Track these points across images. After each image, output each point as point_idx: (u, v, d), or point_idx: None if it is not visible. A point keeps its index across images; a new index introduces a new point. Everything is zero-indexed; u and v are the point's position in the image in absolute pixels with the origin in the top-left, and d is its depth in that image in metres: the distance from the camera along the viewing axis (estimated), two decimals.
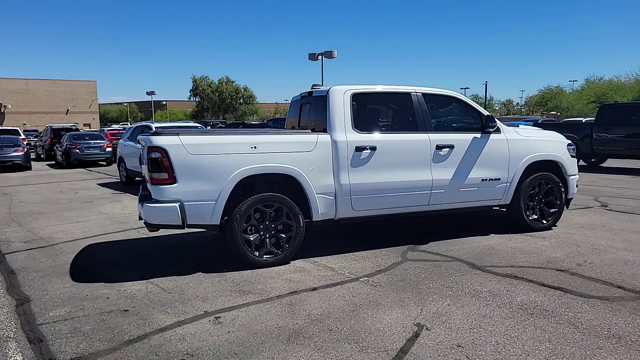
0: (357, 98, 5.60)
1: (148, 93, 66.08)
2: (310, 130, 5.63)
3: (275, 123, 28.33)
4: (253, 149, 5.06)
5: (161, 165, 4.80)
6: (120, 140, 14.22)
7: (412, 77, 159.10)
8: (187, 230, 5.27)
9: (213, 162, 4.94)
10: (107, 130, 27.98)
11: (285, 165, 5.17)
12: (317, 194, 5.30)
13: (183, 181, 4.85)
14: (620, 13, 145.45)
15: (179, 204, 4.86)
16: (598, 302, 4.01)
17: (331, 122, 5.45)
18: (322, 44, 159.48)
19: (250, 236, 5.15)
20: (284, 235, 5.25)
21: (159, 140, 4.82)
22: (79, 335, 3.61)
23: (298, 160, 5.22)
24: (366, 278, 4.76)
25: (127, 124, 45.68)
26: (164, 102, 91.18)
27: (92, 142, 19.96)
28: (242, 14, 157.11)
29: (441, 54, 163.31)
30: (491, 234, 6.40)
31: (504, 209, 6.60)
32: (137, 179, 13.24)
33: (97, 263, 5.62)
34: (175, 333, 3.61)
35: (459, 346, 3.28)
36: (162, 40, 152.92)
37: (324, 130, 5.54)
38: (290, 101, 6.94)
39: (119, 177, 13.94)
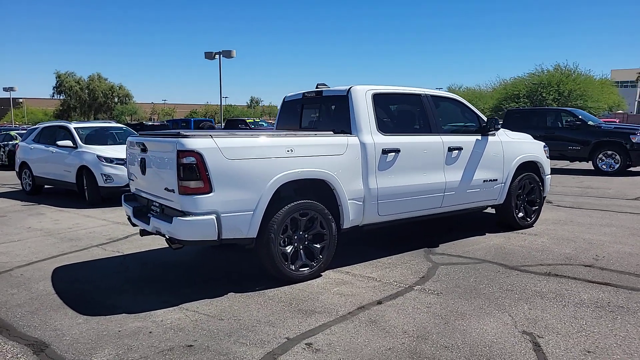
0: (376, 98, 5.38)
1: (6, 89, 58.21)
2: (331, 132, 5.27)
3: (174, 125, 26.78)
4: (289, 152, 4.59)
5: (196, 171, 4.13)
6: (21, 143, 12.22)
7: (313, 75, 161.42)
8: (158, 244, 4.61)
9: (251, 168, 4.38)
10: None
11: (322, 170, 4.77)
12: (348, 199, 4.98)
13: (219, 190, 4.22)
14: (474, 29, 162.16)
15: (215, 215, 4.22)
16: None
17: (357, 123, 5.16)
18: (219, 44, 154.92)
19: (287, 248, 4.67)
20: (318, 246, 4.85)
21: (193, 144, 4.14)
22: None
23: (332, 164, 4.86)
24: (419, 287, 4.57)
25: None
26: (20, 100, 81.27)
27: None
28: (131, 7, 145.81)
29: (336, 53, 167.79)
30: (487, 234, 6.59)
31: (493, 209, 6.84)
32: (46, 186, 11.56)
33: (92, 290, 4.68)
34: None
35: (589, 352, 3.24)
36: (18, 32, 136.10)
37: (343, 133, 5.23)
38: (283, 100, 6.46)
39: (21, 186, 11.98)
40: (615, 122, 28.25)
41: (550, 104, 35.03)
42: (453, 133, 6.05)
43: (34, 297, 4.48)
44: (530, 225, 6.94)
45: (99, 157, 9.57)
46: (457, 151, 5.88)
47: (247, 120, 25.63)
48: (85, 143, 10.32)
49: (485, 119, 6.35)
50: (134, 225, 5.40)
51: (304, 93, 5.98)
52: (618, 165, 13.42)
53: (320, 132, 5.16)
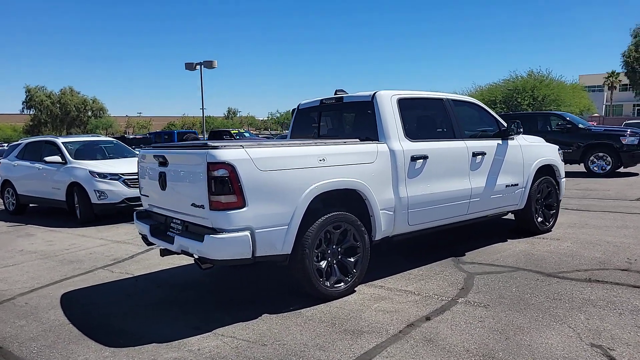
0: (401, 103, 5.16)
1: None
2: (357, 140, 5.02)
3: (157, 137, 26.18)
4: (322, 161, 4.33)
5: (228, 185, 3.83)
6: (2, 160, 11.60)
7: (292, 86, 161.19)
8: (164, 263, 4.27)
9: (285, 179, 4.10)
10: None
11: (354, 180, 4.53)
12: (380, 209, 4.74)
13: (253, 204, 3.92)
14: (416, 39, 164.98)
15: (249, 232, 3.92)
16: None
17: (385, 130, 4.93)
18: (192, 56, 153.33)
19: (321, 264, 4.39)
20: (352, 260, 4.58)
21: (224, 155, 3.83)
22: None
23: (363, 173, 4.61)
24: (463, 299, 4.34)
25: None
26: None
27: None
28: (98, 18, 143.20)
29: (314, 62, 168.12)
30: (508, 240, 6.43)
31: (512, 214, 6.68)
32: (31, 205, 11.00)
33: (110, 317, 4.30)
34: None
35: None
36: None
37: (368, 140, 5.00)
38: (297, 108, 6.20)
39: (3, 206, 11.36)
40: (593, 124, 28.79)
41: (525, 109, 35.64)
42: (475, 138, 5.88)
43: (48, 329, 4.08)
44: (549, 230, 6.81)
45: (91, 172, 9.11)
46: (480, 156, 5.71)
47: (232, 131, 25.21)
48: (75, 158, 9.85)
49: (504, 123, 6.21)
50: (148, 244, 5.05)
51: (322, 100, 5.73)
52: (609, 167, 13.54)
53: (348, 139, 4.90)
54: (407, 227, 5.08)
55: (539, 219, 6.69)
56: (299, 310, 4.22)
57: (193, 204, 4.06)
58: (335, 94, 5.66)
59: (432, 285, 4.74)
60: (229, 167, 3.82)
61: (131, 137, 23.74)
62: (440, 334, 3.63)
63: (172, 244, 4.28)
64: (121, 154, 10.77)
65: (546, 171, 6.75)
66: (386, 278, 5.02)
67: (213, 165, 3.82)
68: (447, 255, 5.76)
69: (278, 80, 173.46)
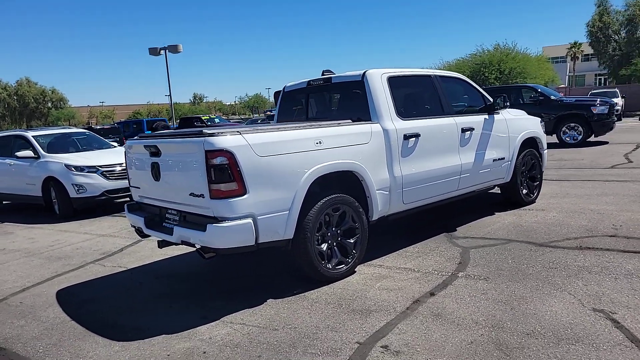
0: (391, 82, 5.15)
1: None
2: (349, 121, 5.00)
3: (125, 127, 25.54)
4: (318, 144, 4.31)
5: (228, 172, 3.77)
6: None
7: (258, 70, 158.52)
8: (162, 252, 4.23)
9: (283, 164, 4.06)
10: None
11: (351, 161, 4.53)
12: (376, 189, 4.76)
13: (254, 190, 3.89)
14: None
15: (251, 219, 3.89)
16: None
17: (377, 109, 4.92)
18: (152, 42, 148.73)
19: (322, 246, 4.40)
20: (351, 241, 4.61)
21: (222, 142, 3.77)
22: None
23: (359, 154, 4.62)
24: (462, 273, 4.43)
25: None
26: None
27: None
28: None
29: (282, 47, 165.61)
30: (495, 213, 6.56)
31: (498, 187, 6.81)
32: (4, 202, 10.66)
33: (112, 312, 4.23)
34: None
35: None
36: None
37: (359, 120, 4.99)
38: (283, 90, 6.12)
39: None
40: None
41: (493, 83, 36.15)
42: (463, 113, 5.94)
43: (50, 327, 3.99)
44: (534, 201, 6.98)
45: (67, 166, 8.84)
46: (469, 132, 5.78)
47: (203, 117, 24.79)
48: (48, 152, 9.54)
49: (489, 97, 6.29)
50: (142, 236, 4.95)
51: (309, 81, 5.67)
52: (580, 136, 13.92)
53: (342, 121, 4.88)
54: (402, 206, 5.12)
55: (524, 191, 6.85)
56: (303, 294, 4.24)
57: (192, 194, 3.99)
58: (323, 74, 5.61)
59: (430, 262, 4.82)
60: (228, 154, 3.76)
61: (98, 127, 23.06)
62: (447, 308, 3.71)
63: (171, 235, 4.21)
64: (95, 145, 10.48)
65: (530, 144, 6.88)
66: (383, 257, 5.08)
67: (211, 153, 3.75)
68: (440, 232, 5.85)
69: (243, 65, 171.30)
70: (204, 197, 3.87)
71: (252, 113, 74.48)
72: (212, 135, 3.81)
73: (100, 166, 8.93)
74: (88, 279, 5.25)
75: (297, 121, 5.69)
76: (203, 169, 3.80)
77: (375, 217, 4.85)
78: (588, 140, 14.13)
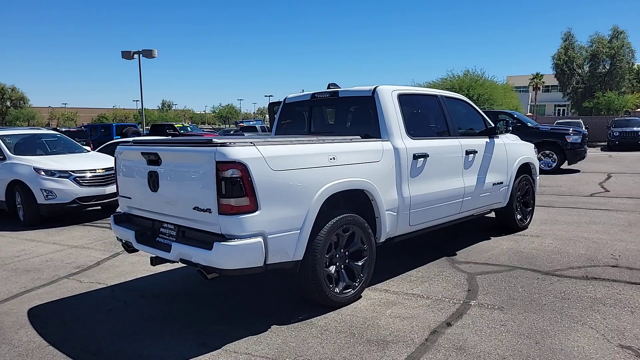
0: (401, 99, 4.98)
1: None
2: (358, 137, 4.78)
3: (92, 130, 24.57)
4: (332, 160, 4.06)
5: (240, 186, 3.47)
6: None
7: (229, 78, 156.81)
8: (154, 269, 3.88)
9: (297, 179, 3.78)
10: None
11: (363, 180, 4.29)
12: (385, 210, 4.54)
13: (266, 207, 3.58)
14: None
15: (262, 237, 3.58)
16: None
17: (388, 126, 4.73)
18: (127, 46, 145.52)
19: (330, 269, 4.12)
20: (359, 264, 4.35)
21: (236, 153, 3.46)
22: None
23: (370, 173, 4.39)
24: (475, 302, 4.23)
25: None
26: None
27: None
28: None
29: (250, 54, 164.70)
30: (491, 237, 6.45)
31: (493, 212, 6.71)
32: None
33: (96, 335, 3.79)
34: None
35: None
36: None
37: (368, 136, 4.78)
38: (283, 102, 5.85)
39: None
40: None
41: None
42: (465, 136, 5.82)
43: (24, 353, 3.54)
44: (526, 227, 6.92)
45: (36, 169, 8.24)
46: (472, 155, 5.66)
47: (176, 125, 24.11)
48: (15, 153, 8.89)
49: (490, 121, 6.21)
50: (130, 251, 4.55)
51: (313, 94, 5.43)
52: (555, 164, 14.20)
53: (351, 137, 4.65)
54: (407, 228, 4.91)
55: (518, 217, 6.78)
56: (309, 320, 3.94)
57: (196, 208, 3.65)
58: (328, 87, 5.40)
59: (437, 288, 4.61)
60: (241, 166, 3.46)
61: (63, 129, 22.03)
62: (468, 340, 3.48)
63: (168, 252, 3.84)
64: (68, 148, 9.87)
65: (524, 169, 6.84)
66: (387, 281, 4.84)
67: (223, 165, 3.44)
68: (439, 255, 5.67)
69: (213, 74, 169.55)
70: (210, 212, 3.54)
71: (223, 123, 73.38)
72: (223, 145, 3.50)
73: (73, 171, 8.37)
74: (63, 296, 4.77)
75: (298, 135, 5.44)
76: (212, 181, 3.48)
77: (382, 238, 4.62)
78: (561, 167, 14.43)
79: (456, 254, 5.71)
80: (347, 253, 4.28)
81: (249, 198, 3.50)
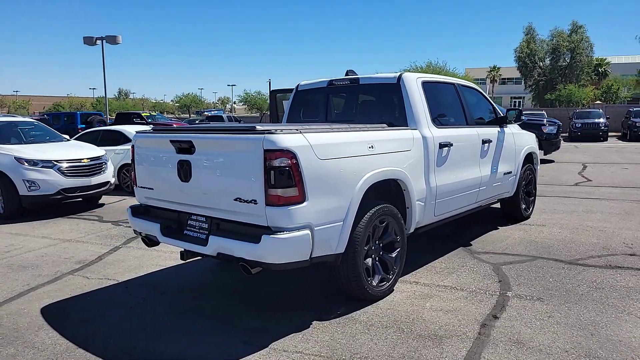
0: (425, 87, 4.87)
1: None
2: (385, 125, 4.63)
3: (55, 119, 23.42)
4: (371, 148, 3.91)
5: (290, 176, 3.27)
6: None
7: (189, 67, 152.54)
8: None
9: (341, 168, 3.62)
10: None
11: (398, 169, 4.17)
12: (415, 200, 4.44)
13: (313, 197, 3.40)
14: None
15: (309, 230, 3.40)
16: None
17: (415, 115, 4.61)
18: (80, 32, 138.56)
19: (368, 262, 3.99)
20: (392, 255, 4.23)
21: (285, 141, 3.26)
22: None
23: (404, 162, 4.27)
24: (512, 293, 4.18)
25: None
26: None
27: None
28: None
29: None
30: (499, 227, 6.48)
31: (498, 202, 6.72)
32: None
33: (125, 335, 3.53)
34: None
35: None
36: None
37: (391, 125, 4.65)
38: (296, 89, 5.63)
39: None
40: None
41: None
42: (481, 125, 5.78)
43: (53, 357, 3.24)
44: (529, 217, 6.99)
45: (17, 159, 7.70)
46: (487, 144, 5.63)
47: (143, 114, 23.25)
48: None
49: (499, 110, 6.19)
50: (150, 245, 4.27)
51: (331, 81, 5.24)
52: None
53: (381, 125, 4.50)
54: (432, 218, 4.83)
55: (523, 206, 6.83)
56: (349, 315, 3.80)
57: (238, 199, 3.42)
58: (346, 74, 5.22)
59: (466, 279, 4.55)
60: (290, 154, 3.26)
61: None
62: (522, 334, 3.43)
63: (204, 245, 3.60)
64: (47, 137, 9.29)
65: (528, 159, 6.89)
66: (413, 273, 4.75)
67: (271, 153, 3.23)
68: (454, 246, 5.64)
69: (170, 62, 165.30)
70: (256, 204, 3.33)
71: (182, 113, 71.52)
72: (271, 132, 3.29)
73: (57, 161, 7.88)
74: (74, 293, 4.45)
75: (314, 122, 5.25)
76: (259, 170, 3.27)
77: (411, 229, 4.52)
78: None
79: (471, 245, 5.68)
80: (381, 245, 4.16)
81: (297, 188, 3.31)
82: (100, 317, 3.88)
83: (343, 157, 3.63)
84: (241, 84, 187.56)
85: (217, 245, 3.54)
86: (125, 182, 10.20)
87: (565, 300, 4.00)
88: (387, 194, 4.29)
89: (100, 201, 9.19)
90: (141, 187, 4.30)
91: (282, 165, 3.25)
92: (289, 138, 3.29)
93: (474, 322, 3.63)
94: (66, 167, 7.89)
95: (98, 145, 9.53)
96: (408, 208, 4.41)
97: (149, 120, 22.62)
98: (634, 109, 26.19)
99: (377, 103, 5.11)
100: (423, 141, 4.55)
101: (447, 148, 4.84)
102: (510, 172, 6.23)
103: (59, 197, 7.86)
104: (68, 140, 9.56)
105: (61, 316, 3.94)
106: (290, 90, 6.85)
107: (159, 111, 45.74)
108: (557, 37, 39.41)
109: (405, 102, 4.65)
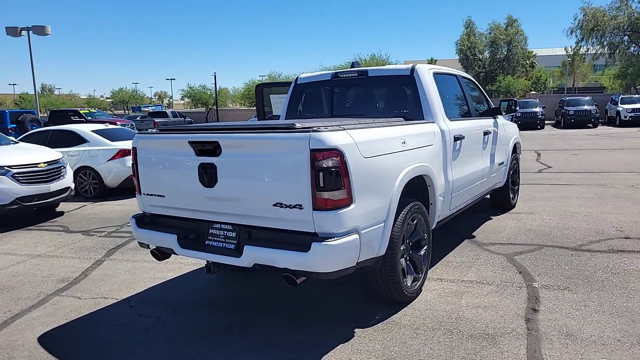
0: (436, 79, 4.75)
1: None
2: (402, 119, 4.47)
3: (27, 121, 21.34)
4: (403, 144, 3.73)
5: (340, 177, 3.02)
6: None
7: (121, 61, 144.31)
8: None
9: (382, 166, 3.42)
10: None
11: (427, 165, 4.02)
12: (438, 195, 4.32)
13: (359, 199, 3.17)
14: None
15: (357, 234, 3.17)
16: None
17: (431, 108, 4.48)
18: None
19: (402, 262, 3.81)
20: (420, 253, 4.08)
21: (333, 139, 3.00)
22: None
23: (428, 157, 4.13)
24: (537, 284, 4.16)
25: None
26: None
27: None
28: None
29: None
30: (491, 217, 6.52)
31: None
32: None
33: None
34: None
35: None
36: None
37: (405, 119, 4.51)
38: (295, 82, 5.33)
39: None
40: None
41: None
42: (481, 117, 5.75)
43: None
44: (515, 205, 7.10)
45: None
46: (487, 135, 5.62)
47: (81, 111, 21.74)
48: None
49: (491, 102, 6.21)
50: (161, 259, 3.86)
51: (336, 73, 5.00)
52: None
53: (399, 120, 4.32)
54: (447, 212, 4.74)
55: (511, 195, 6.92)
56: (389, 319, 3.62)
57: (279, 204, 3.13)
58: (352, 66, 5.01)
59: (486, 272, 4.50)
60: (339, 154, 3.01)
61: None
62: (569, 326, 3.39)
63: (238, 256, 3.27)
64: None
65: (514, 149, 6.98)
66: (432, 269, 4.63)
67: (319, 153, 2.97)
68: (458, 238, 5.61)
69: (99, 56, 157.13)
70: (301, 209, 3.05)
71: (116, 110, 67.91)
72: (316, 130, 3.02)
73: (9, 166, 7.09)
74: (70, 318, 3.95)
75: (316, 118, 5.00)
76: (305, 172, 2.99)
77: (433, 225, 4.40)
78: None
79: (474, 236, 5.67)
80: (410, 244, 4.00)
81: (346, 190, 3.06)
82: (114, 345, 3.45)
83: (383, 155, 3.42)
84: (181, 78, 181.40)
85: (254, 255, 3.22)
86: (83, 187, 9.42)
87: (591, 288, 4.03)
88: (412, 191, 4.13)
89: (59, 209, 8.42)
90: (147, 194, 3.86)
91: (331, 165, 2.99)
92: (337, 136, 3.04)
93: (517, 317, 3.56)
94: (21, 173, 7.12)
95: (48, 147, 8.71)
96: (431, 204, 4.28)
97: (89, 117, 21.22)
98: (567, 99, 27.79)
99: (389, 96, 4.93)
100: (441, 135, 4.43)
101: (459, 141, 4.75)
102: (502, 163, 6.28)
103: (15, 207, 7.09)
104: (16, 142, 8.67)
105: (64, 346, 3.47)
106: (277, 85, 6.55)
107: (96, 107, 43.18)
108: (495, 31, 41.03)
109: (420, 95, 4.51)
